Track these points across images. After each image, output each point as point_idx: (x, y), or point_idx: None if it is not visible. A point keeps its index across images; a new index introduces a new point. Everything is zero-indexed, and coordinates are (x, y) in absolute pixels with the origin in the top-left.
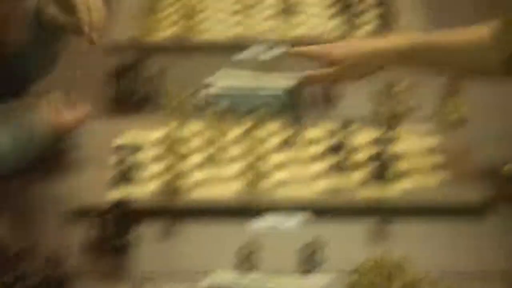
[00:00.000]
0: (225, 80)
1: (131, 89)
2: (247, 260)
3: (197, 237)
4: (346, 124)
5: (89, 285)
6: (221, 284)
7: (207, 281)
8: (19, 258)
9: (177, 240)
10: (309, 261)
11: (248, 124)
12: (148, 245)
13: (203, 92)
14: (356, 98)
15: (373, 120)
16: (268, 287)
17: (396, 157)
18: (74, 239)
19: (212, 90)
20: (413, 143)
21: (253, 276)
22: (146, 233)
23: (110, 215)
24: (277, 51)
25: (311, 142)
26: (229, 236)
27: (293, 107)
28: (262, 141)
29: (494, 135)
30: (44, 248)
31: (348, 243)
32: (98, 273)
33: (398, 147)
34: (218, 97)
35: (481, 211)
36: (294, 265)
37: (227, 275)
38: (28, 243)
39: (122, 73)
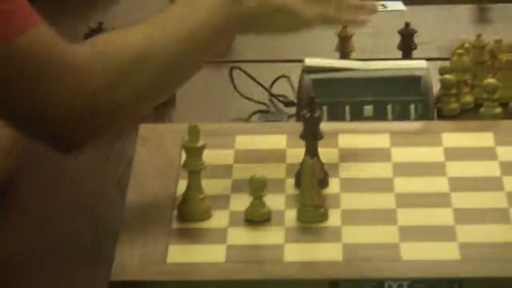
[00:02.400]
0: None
1: None
2: (346, 44)
3: None
4: None
5: None
6: (319, 68)
7: (306, 63)
8: None
9: None
10: (407, 45)
11: None
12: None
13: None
14: None
15: None
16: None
17: None
18: None
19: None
20: None
21: (351, 63)
22: None
23: None
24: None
25: None
26: None
27: None
28: None
29: None
30: None
31: (445, 28)
32: None
33: None
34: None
35: None
36: (393, 48)
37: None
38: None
39: None
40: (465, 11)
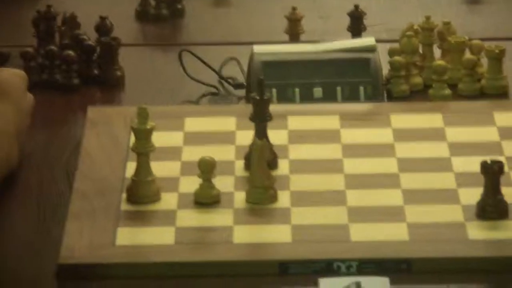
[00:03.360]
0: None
1: None
2: (295, 27)
3: (248, 5)
4: None
5: (138, 52)
6: (269, 50)
7: (255, 46)
8: (73, 24)
9: (228, 9)
10: (356, 26)
11: None
12: (199, 13)
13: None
14: None
15: None
16: (315, 48)
17: None
18: (125, 8)
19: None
20: None
21: (300, 46)
22: (197, 2)
23: None
24: None
25: None
26: (278, 4)
27: None
28: None
29: None
30: (96, 17)
31: (393, 10)
32: (147, 41)
33: None
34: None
35: None
36: (342, 30)
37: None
38: (80, 10)
39: None
40: None
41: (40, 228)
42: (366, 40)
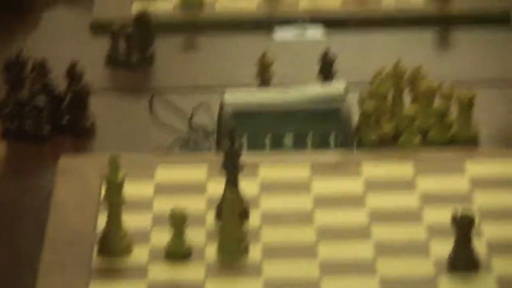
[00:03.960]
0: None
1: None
2: (266, 72)
3: (218, 50)
4: None
5: (109, 99)
6: (239, 100)
7: (226, 96)
8: (42, 71)
9: (198, 54)
10: (326, 72)
11: None
12: (169, 59)
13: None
14: None
15: None
16: (286, 97)
17: None
18: (95, 53)
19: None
20: None
21: (271, 91)
22: (167, 47)
23: (132, 28)
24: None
25: None
26: (249, 48)
27: None
28: None
29: None
30: (66, 61)
31: (364, 54)
32: (118, 87)
33: None
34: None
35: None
36: (312, 76)
37: (245, 95)
38: (50, 56)
39: None
40: (384, 38)
41: (12, 280)
42: (336, 87)
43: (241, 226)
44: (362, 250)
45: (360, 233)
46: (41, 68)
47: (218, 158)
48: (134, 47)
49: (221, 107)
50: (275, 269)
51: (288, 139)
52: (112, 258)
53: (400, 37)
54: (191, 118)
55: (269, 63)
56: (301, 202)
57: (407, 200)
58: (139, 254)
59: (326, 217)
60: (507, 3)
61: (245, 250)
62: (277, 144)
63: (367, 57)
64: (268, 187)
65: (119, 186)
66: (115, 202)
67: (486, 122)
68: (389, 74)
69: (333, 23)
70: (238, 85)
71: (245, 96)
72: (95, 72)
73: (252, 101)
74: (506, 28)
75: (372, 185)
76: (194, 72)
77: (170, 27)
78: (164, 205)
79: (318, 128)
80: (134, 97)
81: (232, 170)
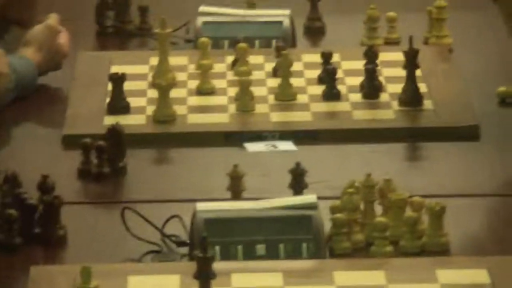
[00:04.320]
0: (213, 11)
1: (118, 23)
2: (237, 184)
3: (189, 163)
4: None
5: (81, 210)
6: (212, 208)
7: (198, 204)
8: (14, 183)
9: (169, 167)
10: (298, 184)
11: (236, 53)
12: (141, 171)
13: (192, 24)
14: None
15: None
16: (258, 205)
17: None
18: (67, 166)
19: (199, 22)
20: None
21: (243, 203)
22: (139, 160)
23: (104, 141)
24: None
25: (300, 70)
26: (221, 161)
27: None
28: (250, 71)
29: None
30: (38, 174)
31: (335, 166)
32: (90, 199)
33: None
34: (204, 28)
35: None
36: (284, 188)
37: (217, 204)
38: (21, 168)
39: (107, 7)
40: (355, 150)
41: None
42: (307, 198)
43: None
44: None
45: None
46: (13, 180)
47: (190, 267)
48: (105, 160)
49: (194, 215)
50: None
51: (260, 247)
52: None
53: (371, 150)
54: (162, 228)
55: (240, 175)
56: None
57: None
58: None
59: None
60: (475, 119)
61: None
62: (249, 253)
63: (338, 169)
64: None
65: None
66: None
67: (456, 231)
68: (360, 186)
69: (304, 135)
70: (210, 198)
71: (218, 204)
72: (67, 185)
73: (224, 209)
74: (474, 143)
75: None
76: (166, 184)
77: (142, 140)
78: None
79: (290, 236)
80: (106, 208)
81: (204, 278)
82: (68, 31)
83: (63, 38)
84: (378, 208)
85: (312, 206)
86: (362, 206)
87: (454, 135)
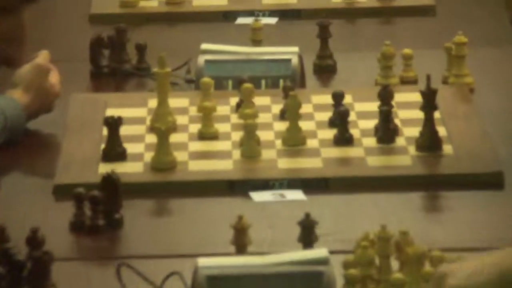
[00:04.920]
0: (215, 49)
1: (114, 62)
2: (242, 237)
3: (190, 215)
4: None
5: (73, 267)
6: (214, 263)
7: (200, 259)
8: (1, 237)
9: (169, 219)
10: (308, 237)
11: (241, 94)
12: (138, 224)
13: (193, 62)
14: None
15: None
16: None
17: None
18: (58, 218)
19: (201, 61)
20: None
21: (250, 258)
22: (136, 211)
23: (98, 191)
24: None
25: (310, 112)
26: (224, 212)
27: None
28: (255, 114)
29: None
30: (27, 227)
31: (348, 217)
32: (83, 254)
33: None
34: (206, 67)
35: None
36: (293, 241)
37: (220, 260)
38: (9, 221)
39: (102, 45)
40: (369, 199)
41: None
42: (318, 252)
43: None
44: None
45: None
46: (0, 234)
47: None
48: (100, 211)
49: (195, 271)
50: None
51: None
52: None
53: (386, 199)
54: (161, 286)
55: (245, 228)
56: None
57: None
58: None
59: None
60: (499, 165)
61: None
62: None
63: (351, 220)
64: None
65: None
66: None
67: None
68: (375, 239)
69: (314, 184)
70: (213, 252)
71: (221, 260)
72: (58, 239)
73: (228, 264)
74: (498, 191)
75: None
76: (165, 238)
77: (140, 189)
78: None
79: None
80: (100, 265)
81: None
82: (59, 71)
83: (54, 78)
84: (395, 263)
85: (323, 261)
86: (377, 261)
87: (476, 182)
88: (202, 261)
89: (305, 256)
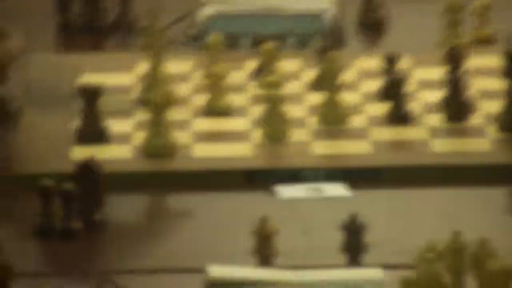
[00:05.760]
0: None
1: (89, 13)
2: (266, 246)
3: (196, 215)
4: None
5: (42, 285)
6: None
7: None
8: None
9: (167, 221)
10: (353, 246)
11: (259, 58)
12: (126, 228)
13: (194, 17)
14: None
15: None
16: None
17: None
18: (19, 220)
19: (207, 12)
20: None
21: (274, 273)
22: (123, 211)
23: (72, 185)
24: None
25: (354, 81)
26: (242, 212)
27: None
28: (280, 83)
29: None
30: None
31: (406, 220)
32: (52, 266)
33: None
34: (214, 21)
35: None
36: (333, 251)
37: (238, 272)
38: None
39: None
40: (434, 197)
41: None
42: (369, 272)
43: None
44: None
45: None
46: None
47: None
48: (75, 211)
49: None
50: None
51: None
52: None
53: (457, 197)
54: None
55: (270, 233)
56: None
57: None
58: None
59: None
60: None
61: None
62: None
63: (410, 225)
64: None
65: None
66: None
67: None
68: (444, 251)
69: (361, 175)
70: (229, 264)
71: (239, 272)
72: (19, 247)
73: (248, 279)
74: None
75: None
76: (162, 246)
77: (128, 181)
78: None
79: None
80: (76, 281)
81: None
82: (21, 32)
83: (14, 42)
84: (471, 283)
85: (377, 282)
86: (448, 279)
87: None
88: (215, 271)
89: (351, 276)
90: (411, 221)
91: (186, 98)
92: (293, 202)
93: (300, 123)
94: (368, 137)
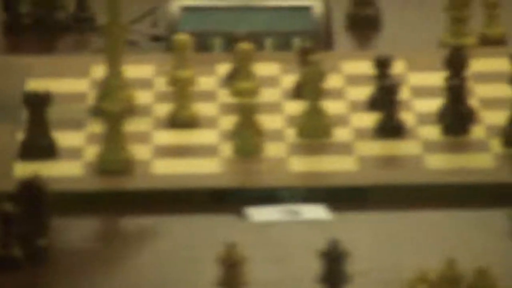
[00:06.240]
0: None
1: (39, 9)
2: (234, 275)
3: (156, 240)
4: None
5: None
6: None
7: None
8: None
9: (121, 247)
10: (334, 275)
11: (232, 61)
12: (73, 258)
13: (159, 14)
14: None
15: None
16: None
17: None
18: None
19: (173, 8)
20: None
21: None
22: (72, 237)
23: (12, 206)
24: None
25: (340, 87)
26: (207, 237)
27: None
28: (256, 89)
29: None
30: None
31: (393, 245)
32: None
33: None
34: (181, 19)
35: None
36: (310, 283)
37: None
38: None
39: None
40: (427, 220)
41: None
42: None
43: None
44: None
45: None
46: None
47: None
48: (15, 236)
49: None
50: None
51: None
52: None
53: (453, 219)
54: None
55: (239, 261)
56: None
57: None
58: None
59: None
60: None
61: None
62: None
63: (399, 251)
64: None
65: None
66: None
67: None
68: (438, 281)
69: (344, 196)
70: None
71: None
72: None
73: None
74: None
75: None
76: (117, 278)
77: (78, 202)
78: None
79: None
80: None
81: None
82: None
83: None
84: None
85: None
86: None
87: None
88: None
89: None
90: (401, 248)
91: (147, 107)
92: (267, 226)
93: (276, 135)
94: (353, 152)
